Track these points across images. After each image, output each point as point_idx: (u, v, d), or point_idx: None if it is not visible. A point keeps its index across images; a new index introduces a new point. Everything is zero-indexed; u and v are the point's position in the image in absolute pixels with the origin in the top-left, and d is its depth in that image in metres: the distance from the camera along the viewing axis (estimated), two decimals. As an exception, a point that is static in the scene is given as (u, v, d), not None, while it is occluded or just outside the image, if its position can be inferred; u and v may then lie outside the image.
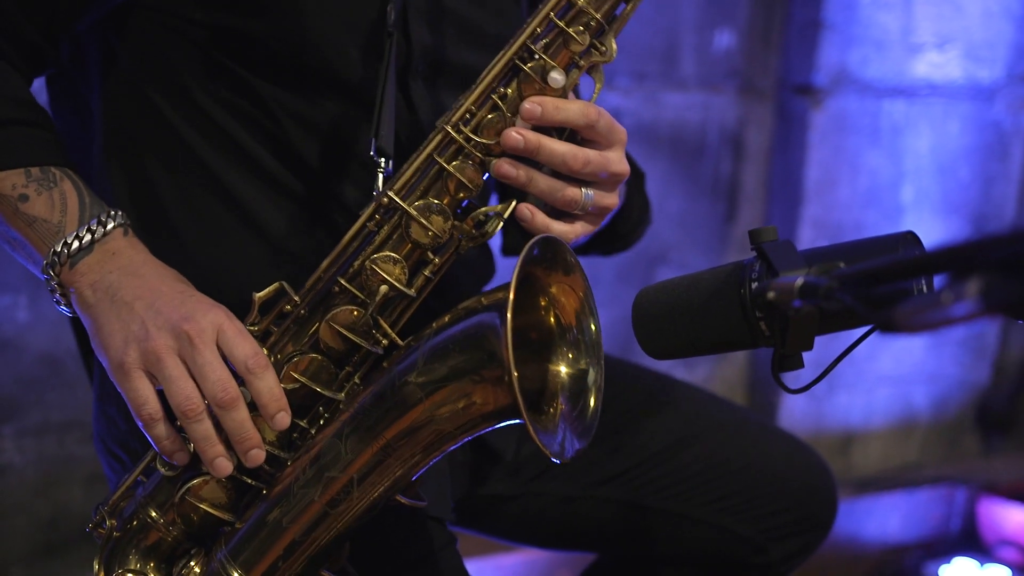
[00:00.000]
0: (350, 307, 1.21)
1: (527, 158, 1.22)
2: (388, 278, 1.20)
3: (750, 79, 2.97)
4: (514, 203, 1.22)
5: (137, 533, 1.24)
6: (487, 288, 1.56)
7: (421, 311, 1.24)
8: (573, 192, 1.23)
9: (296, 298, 1.22)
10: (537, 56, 1.21)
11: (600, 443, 1.20)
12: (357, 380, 1.23)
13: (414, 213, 1.20)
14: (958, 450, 3.44)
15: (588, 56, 1.23)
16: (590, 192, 1.25)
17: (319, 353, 1.22)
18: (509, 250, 1.58)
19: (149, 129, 1.33)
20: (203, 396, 1.16)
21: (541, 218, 1.24)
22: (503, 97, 1.22)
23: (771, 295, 1.01)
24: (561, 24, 1.21)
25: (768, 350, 1.11)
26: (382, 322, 1.21)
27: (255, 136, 1.32)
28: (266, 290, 1.22)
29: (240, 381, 1.18)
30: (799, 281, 0.97)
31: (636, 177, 1.58)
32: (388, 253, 1.20)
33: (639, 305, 1.17)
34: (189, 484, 1.21)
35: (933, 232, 3.15)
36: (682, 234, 2.95)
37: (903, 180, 3.11)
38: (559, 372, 1.19)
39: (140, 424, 1.18)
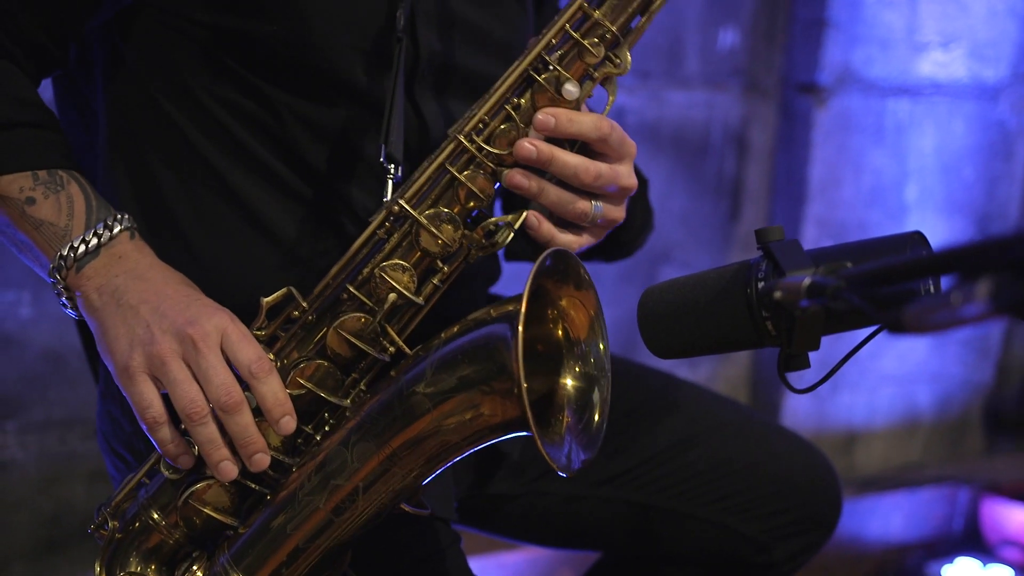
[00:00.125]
0: (358, 314, 1.21)
1: (538, 169, 1.21)
2: (397, 286, 1.20)
3: (754, 78, 2.97)
4: (525, 213, 1.22)
5: (139, 535, 1.24)
6: (492, 290, 1.56)
7: (427, 315, 1.24)
8: (583, 205, 1.24)
9: (304, 304, 1.22)
10: (552, 67, 1.21)
11: (604, 442, 1.19)
12: (363, 387, 1.23)
13: (424, 222, 1.19)
14: (961, 450, 3.44)
15: (602, 68, 1.23)
16: (600, 205, 1.25)
17: (326, 359, 1.21)
18: (512, 255, 1.58)
19: (154, 130, 1.33)
20: (207, 400, 1.16)
21: (547, 227, 1.24)
22: (516, 108, 1.21)
23: (778, 295, 1.01)
24: (576, 36, 1.21)
25: (771, 349, 1.11)
26: (389, 330, 1.21)
27: (260, 138, 1.32)
28: (274, 295, 1.22)
29: (245, 386, 1.17)
30: (806, 281, 0.97)
31: (639, 184, 1.58)
32: (397, 261, 1.20)
33: (644, 304, 1.17)
34: (193, 488, 1.20)
35: (937, 231, 3.14)
36: (685, 233, 2.94)
37: (907, 179, 3.11)
38: (565, 385, 1.19)
39: (144, 428, 1.17)
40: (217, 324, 1.17)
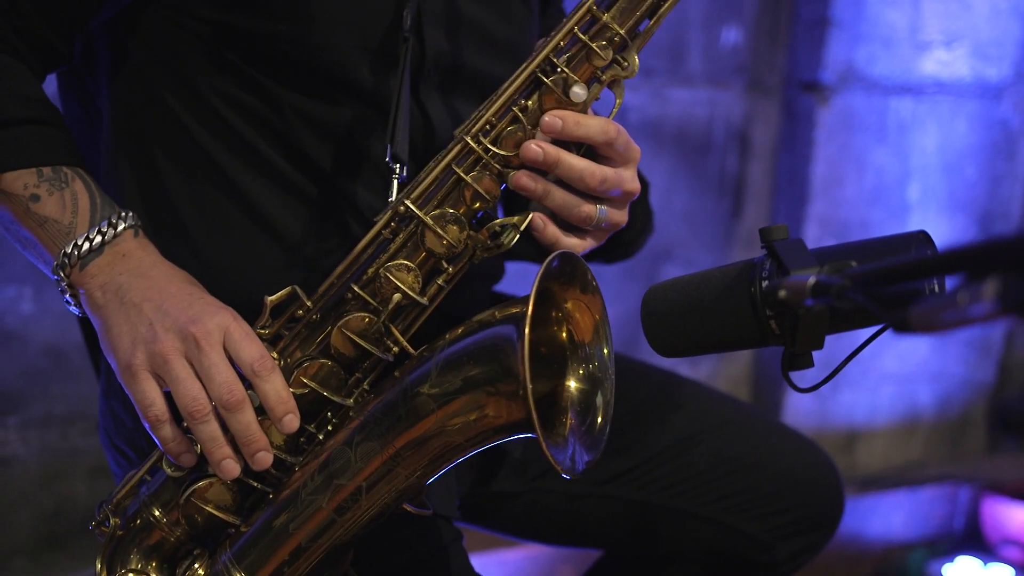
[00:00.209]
0: (362, 314, 1.20)
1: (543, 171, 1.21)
2: (401, 286, 1.19)
3: (757, 76, 2.97)
4: (531, 215, 1.21)
5: (140, 532, 1.23)
6: (495, 289, 1.56)
7: (431, 314, 1.24)
8: (588, 209, 1.24)
9: (308, 303, 1.22)
10: (560, 69, 1.21)
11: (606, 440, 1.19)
12: (366, 386, 1.23)
13: (430, 222, 1.19)
14: (962, 449, 3.43)
15: (610, 71, 1.23)
16: (604, 208, 1.25)
17: (329, 359, 1.21)
18: (513, 254, 1.57)
19: (159, 127, 1.33)
20: (210, 398, 1.16)
21: (553, 230, 1.24)
22: (524, 109, 1.21)
23: (783, 294, 1.01)
24: (584, 38, 1.20)
25: (773, 348, 1.11)
26: (394, 330, 1.21)
27: (265, 137, 1.32)
28: (278, 294, 1.22)
29: (248, 384, 1.17)
30: (811, 280, 0.97)
31: (641, 187, 1.58)
32: (402, 261, 1.20)
33: (648, 302, 1.17)
34: (195, 485, 1.20)
35: (939, 230, 3.14)
36: (688, 231, 2.94)
37: (909, 178, 3.10)
38: (569, 387, 1.19)
39: (147, 425, 1.17)
40: (220, 322, 1.17)
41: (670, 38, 2.80)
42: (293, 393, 1.19)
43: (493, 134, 1.21)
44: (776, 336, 1.09)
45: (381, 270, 1.20)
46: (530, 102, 1.22)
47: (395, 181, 1.22)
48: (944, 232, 3.16)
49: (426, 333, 1.22)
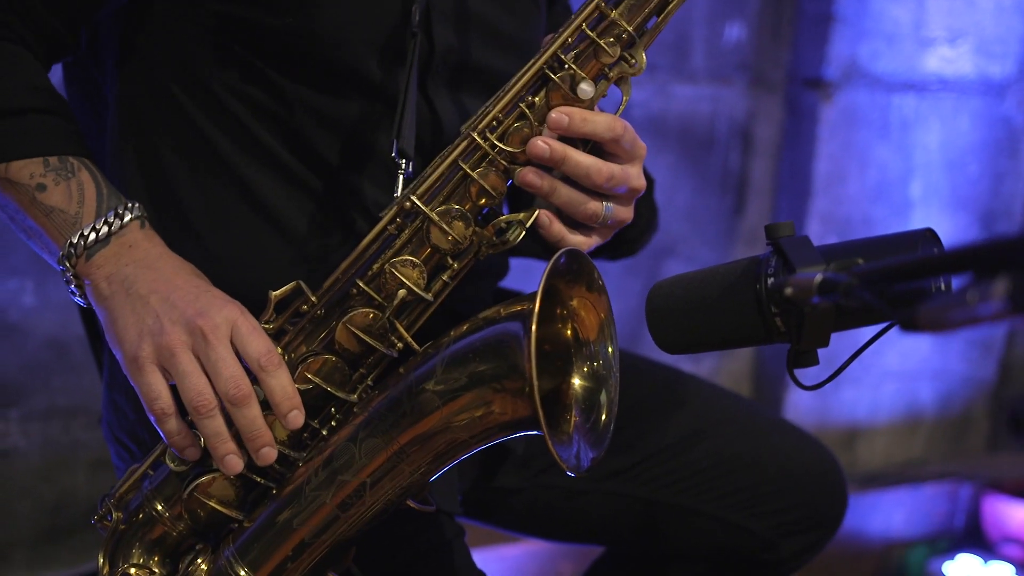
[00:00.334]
0: (367, 310, 1.20)
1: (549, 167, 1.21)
2: (406, 282, 1.19)
3: (760, 72, 2.96)
4: (537, 212, 1.21)
5: (142, 527, 1.23)
6: (500, 284, 1.55)
7: (435, 311, 1.24)
8: (595, 206, 1.23)
9: (313, 298, 1.21)
10: (567, 66, 1.20)
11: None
12: (370, 382, 1.23)
13: (436, 218, 1.19)
14: (963, 446, 3.43)
15: (617, 68, 1.22)
16: (610, 206, 1.25)
17: (333, 354, 1.21)
18: (516, 250, 1.57)
19: (165, 118, 1.32)
20: (215, 392, 1.15)
21: (558, 227, 1.24)
22: (531, 106, 1.21)
23: (789, 291, 1.00)
24: (592, 35, 1.20)
25: (774, 345, 1.11)
26: (398, 326, 1.21)
27: (272, 130, 1.31)
28: (283, 289, 1.21)
29: (253, 379, 1.17)
30: (818, 277, 0.96)
31: (646, 183, 1.58)
32: (407, 257, 1.20)
33: (653, 299, 1.17)
34: (198, 480, 1.20)
35: (941, 228, 3.10)
36: (690, 227, 2.94)
37: (912, 175, 3.10)
38: (574, 384, 1.19)
39: (152, 419, 1.17)
40: (227, 316, 1.16)
41: (673, 34, 2.79)
42: (297, 388, 1.19)
43: (500, 130, 1.21)
44: (781, 333, 1.09)
45: (386, 266, 1.20)
46: (537, 98, 1.21)
47: (401, 176, 1.22)
48: (946, 229, 3.15)
49: (431, 329, 1.22)
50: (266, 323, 1.21)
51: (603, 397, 1.19)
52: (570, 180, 1.23)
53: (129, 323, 1.17)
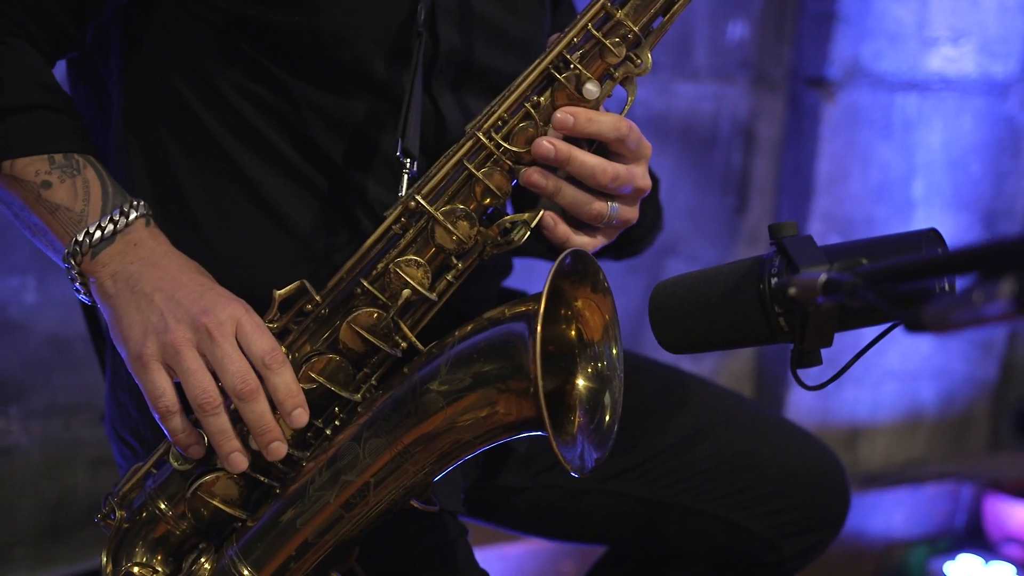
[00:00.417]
0: (371, 309, 1.20)
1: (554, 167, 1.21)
2: (411, 282, 1.19)
3: (763, 71, 2.96)
4: (541, 212, 1.21)
5: (146, 525, 1.23)
6: (504, 283, 1.55)
7: (440, 311, 1.24)
8: (600, 206, 1.23)
9: (317, 297, 1.22)
10: (573, 66, 1.20)
11: (611, 437, 1.19)
12: (374, 382, 1.23)
13: (440, 218, 1.19)
14: (964, 446, 3.43)
15: (623, 68, 1.22)
16: (616, 206, 1.25)
17: (337, 354, 1.21)
18: (519, 250, 1.57)
19: (170, 115, 1.32)
20: (221, 390, 1.15)
21: (563, 228, 1.24)
22: (536, 106, 1.21)
23: (793, 291, 1.01)
24: (598, 35, 1.20)
25: (776, 345, 1.11)
26: (402, 325, 1.21)
27: (277, 128, 1.31)
28: (287, 288, 1.21)
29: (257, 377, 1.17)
30: (823, 277, 0.96)
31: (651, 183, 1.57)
32: (412, 257, 1.20)
33: (656, 298, 1.17)
34: (201, 479, 1.20)
35: (944, 227, 3.08)
36: (692, 226, 2.94)
37: (914, 175, 3.10)
38: (578, 385, 1.19)
39: (156, 416, 1.17)
40: (232, 314, 1.16)
41: (676, 33, 2.79)
42: (301, 388, 1.18)
43: (505, 130, 1.21)
44: (785, 333, 1.09)
45: (391, 265, 1.20)
46: (542, 98, 1.21)
47: (406, 176, 1.22)
48: (949, 229, 3.15)
49: (435, 329, 1.22)
50: (270, 322, 1.21)
51: (607, 398, 1.19)
52: (575, 180, 1.22)
53: (134, 321, 1.17)
